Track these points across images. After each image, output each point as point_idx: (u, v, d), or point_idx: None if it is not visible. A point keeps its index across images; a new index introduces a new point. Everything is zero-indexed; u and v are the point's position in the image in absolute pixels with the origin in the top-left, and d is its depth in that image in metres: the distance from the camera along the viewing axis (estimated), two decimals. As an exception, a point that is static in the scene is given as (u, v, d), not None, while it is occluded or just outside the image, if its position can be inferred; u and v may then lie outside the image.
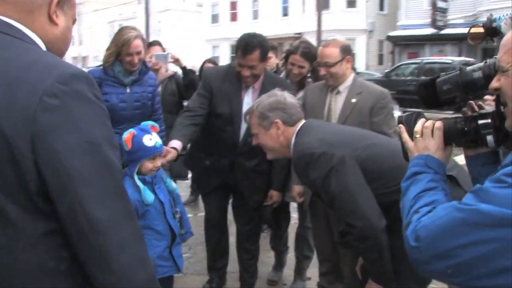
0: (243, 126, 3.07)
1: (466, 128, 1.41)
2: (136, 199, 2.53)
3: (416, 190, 1.31)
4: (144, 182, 2.59)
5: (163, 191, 2.70)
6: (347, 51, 3.01)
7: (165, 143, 3.51)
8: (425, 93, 1.56)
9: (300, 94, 3.42)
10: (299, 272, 3.71)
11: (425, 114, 1.59)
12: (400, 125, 1.52)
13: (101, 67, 3.41)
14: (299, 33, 25.19)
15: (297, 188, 3.19)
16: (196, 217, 5.03)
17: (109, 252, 1.08)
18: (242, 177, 3.21)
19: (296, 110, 2.38)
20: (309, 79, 3.56)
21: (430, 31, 23.48)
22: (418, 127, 1.44)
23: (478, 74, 1.41)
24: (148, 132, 2.63)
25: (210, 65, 4.86)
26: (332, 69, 2.95)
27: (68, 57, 47.94)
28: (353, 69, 3.19)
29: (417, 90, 1.59)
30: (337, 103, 3.02)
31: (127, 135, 2.56)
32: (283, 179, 3.23)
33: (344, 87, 3.02)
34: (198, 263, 4.09)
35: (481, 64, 1.42)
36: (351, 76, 3.04)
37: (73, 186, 1.05)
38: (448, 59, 16.24)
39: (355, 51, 17.39)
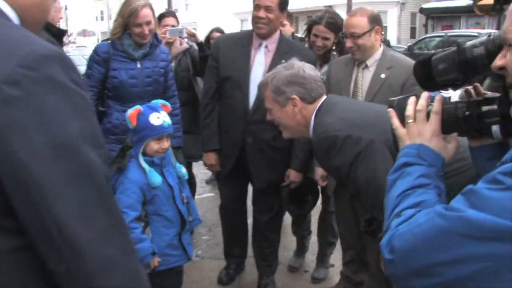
0: (254, 90, 2.82)
1: (467, 114, 1.17)
2: (143, 182, 2.37)
3: (402, 187, 1.09)
4: (152, 164, 2.41)
5: (171, 174, 2.52)
6: (376, 21, 2.71)
7: (178, 122, 3.35)
8: (422, 73, 1.29)
9: (324, 68, 3.16)
10: (322, 258, 3.51)
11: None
12: (390, 109, 1.28)
13: (109, 41, 3.20)
14: (329, 6, 24.49)
15: (319, 171, 2.95)
16: (217, 196, 4.84)
17: (95, 276, 0.88)
18: (253, 150, 2.92)
19: (317, 85, 2.09)
20: (334, 52, 3.28)
21: (465, 2, 22.37)
22: (409, 109, 1.21)
23: (480, 50, 1.16)
24: (156, 110, 2.43)
25: (217, 34, 4.59)
26: (359, 41, 2.67)
27: (98, 32, 48.47)
28: (386, 42, 2.89)
29: (413, 69, 1.32)
30: (364, 79, 2.74)
31: (132, 111, 2.38)
32: (305, 158, 2.93)
33: (372, 61, 2.73)
34: (216, 246, 3.92)
35: (484, 38, 1.16)
36: (380, 49, 2.75)
37: (44, 201, 0.84)
38: (475, 31, 15.38)
39: (386, 24, 16.70)
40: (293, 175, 2.94)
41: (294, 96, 2.05)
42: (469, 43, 1.18)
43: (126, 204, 2.31)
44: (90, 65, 3.15)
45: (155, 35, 3.19)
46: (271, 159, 2.93)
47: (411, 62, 2.79)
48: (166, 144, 2.44)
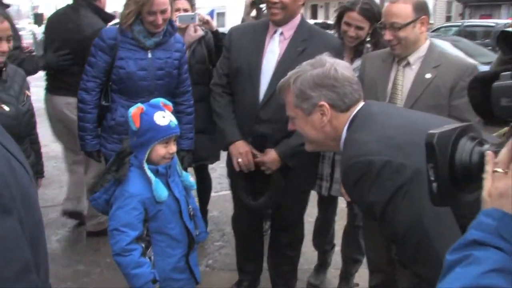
0: (265, 82, 2.44)
1: None
2: (146, 196, 2.02)
3: (458, 283, 0.76)
4: (156, 174, 2.06)
5: (177, 185, 2.18)
6: (422, 9, 2.28)
7: (191, 121, 3.00)
8: (479, 96, 0.91)
9: (356, 63, 2.73)
10: (346, 276, 3.13)
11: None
12: (490, 152, 0.88)
13: (118, 25, 2.84)
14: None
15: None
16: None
17: None
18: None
19: (352, 89, 1.64)
20: (368, 45, 2.84)
21: (507, -11, 21.32)
22: (503, 154, 0.83)
23: (504, 101, 0.85)
24: (160, 108, 2.08)
25: None
26: (401, 33, 2.24)
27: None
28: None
29: (468, 88, 1.04)
30: (405, 79, 2.31)
31: (135, 110, 2.03)
32: (295, 148, 2.37)
33: (415, 58, 2.30)
34: (230, 256, 3.57)
35: None
36: (426, 43, 2.32)
37: None
38: (492, 21, 14.42)
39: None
40: (270, 156, 2.46)
41: (323, 102, 1.62)
42: None
43: (124, 222, 1.99)
44: (94, 52, 2.81)
45: (170, 22, 2.82)
46: (283, 167, 2.51)
47: (462, 60, 2.36)
48: (174, 148, 2.10)
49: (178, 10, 3.15)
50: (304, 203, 2.78)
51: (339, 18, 2.80)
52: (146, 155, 2.04)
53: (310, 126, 1.68)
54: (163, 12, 2.67)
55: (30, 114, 2.42)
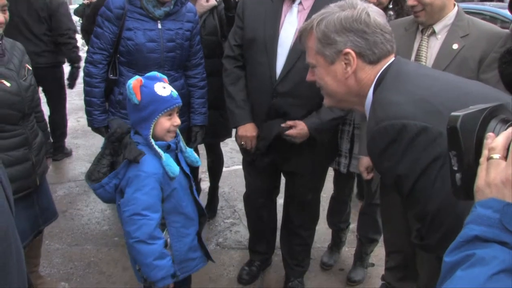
0: (282, 55, 2.30)
1: None
2: (161, 174, 1.89)
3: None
4: (166, 149, 1.95)
5: (183, 161, 2.06)
6: None
7: (203, 96, 2.88)
8: (510, 72, 0.82)
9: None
10: (361, 257, 3.03)
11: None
12: (490, 133, 0.80)
13: None
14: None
15: (365, 161, 2.41)
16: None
17: None
18: (277, 131, 2.37)
19: (384, 38, 1.38)
20: (391, 12, 2.68)
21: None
22: (500, 140, 0.75)
23: None
24: (158, 79, 1.94)
25: None
26: None
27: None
28: None
29: (499, 63, 0.91)
30: (430, 49, 2.16)
31: (134, 82, 1.88)
32: (326, 123, 2.32)
33: (442, 26, 2.14)
34: (241, 233, 3.50)
35: None
36: (453, 10, 2.15)
37: None
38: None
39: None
40: (298, 127, 2.33)
41: (349, 49, 1.38)
42: None
43: (146, 204, 1.86)
44: (100, 22, 2.67)
45: None
46: (303, 143, 2.39)
47: (494, 28, 2.19)
48: (178, 120, 1.96)
49: None
50: (322, 181, 2.68)
51: None
52: (151, 130, 1.91)
53: (332, 77, 1.46)
54: None
55: (33, 89, 2.30)
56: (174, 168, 1.91)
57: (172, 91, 1.92)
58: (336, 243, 3.19)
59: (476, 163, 0.82)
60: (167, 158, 1.91)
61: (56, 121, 4.86)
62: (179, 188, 1.98)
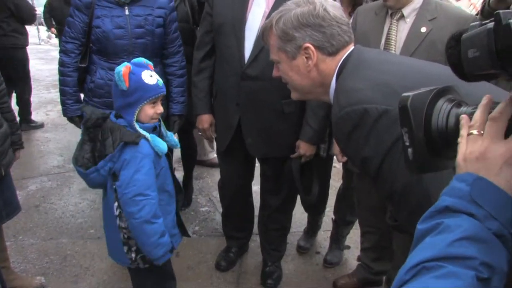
0: (250, 37, 2.31)
1: None
2: (152, 153, 1.94)
3: (426, 252, 0.69)
4: (151, 131, 1.99)
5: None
6: None
7: (182, 84, 2.86)
8: (456, 57, 0.80)
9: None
10: (337, 239, 3.09)
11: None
12: (464, 116, 0.80)
13: None
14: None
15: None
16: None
17: None
18: (248, 113, 2.42)
19: (341, 30, 1.45)
20: None
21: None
22: (477, 117, 0.77)
23: (471, 53, 0.74)
24: (145, 67, 1.96)
25: None
26: None
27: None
28: None
29: (445, 48, 0.84)
30: (399, 33, 2.20)
31: (124, 68, 1.89)
32: (318, 126, 2.41)
33: (410, 10, 2.18)
34: (217, 221, 3.51)
35: None
36: None
37: None
38: None
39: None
40: (303, 148, 2.44)
41: (308, 44, 1.44)
42: None
43: (147, 184, 1.91)
44: (72, 12, 2.65)
45: None
46: (274, 127, 2.42)
47: (463, 12, 2.24)
48: (161, 108, 1.99)
49: None
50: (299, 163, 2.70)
51: None
52: (135, 116, 1.93)
53: (295, 72, 1.52)
54: None
55: None
56: (162, 147, 1.96)
57: (158, 80, 1.94)
58: (312, 227, 3.23)
59: (425, 139, 0.88)
60: (153, 138, 1.95)
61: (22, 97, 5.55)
62: (165, 167, 2.02)
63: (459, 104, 0.86)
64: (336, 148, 2.48)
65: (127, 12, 2.61)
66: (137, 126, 1.93)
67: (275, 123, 2.41)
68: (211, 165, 4.42)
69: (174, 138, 2.15)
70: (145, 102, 1.91)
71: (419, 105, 0.89)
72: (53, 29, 7.36)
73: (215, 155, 3.70)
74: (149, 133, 1.95)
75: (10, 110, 2.51)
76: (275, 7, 2.25)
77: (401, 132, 0.95)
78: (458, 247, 0.67)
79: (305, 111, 2.41)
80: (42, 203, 3.81)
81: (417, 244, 0.72)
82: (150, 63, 1.99)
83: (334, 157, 2.75)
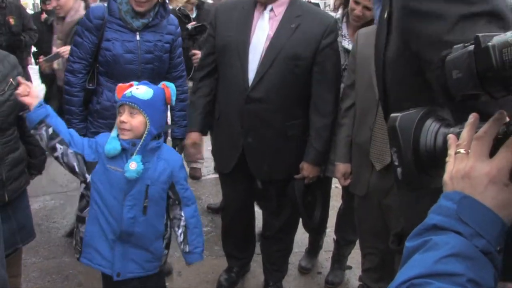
0: (254, 60, 2.36)
1: None
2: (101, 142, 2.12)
3: (414, 269, 0.70)
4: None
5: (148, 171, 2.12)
6: None
7: (184, 108, 2.89)
8: (443, 76, 0.82)
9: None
10: (339, 259, 3.11)
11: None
12: (451, 135, 0.82)
13: (106, 4, 2.72)
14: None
15: (341, 168, 2.51)
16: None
17: None
18: (252, 138, 2.45)
19: None
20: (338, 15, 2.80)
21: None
22: (464, 136, 0.78)
23: (455, 74, 0.76)
24: (143, 84, 2.17)
25: None
26: None
27: None
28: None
29: (432, 68, 0.87)
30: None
31: (122, 85, 2.16)
32: (322, 147, 2.47)
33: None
34: (219, 241, 3.51)
35: None
36: None
37: None
38: None
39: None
40: (307, 170, 2.49)
41: None
42: (498, 39, 0.69)
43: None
44: (80, 32, 2.69)
45: (163, 4, 2.71)
46: (278, 149, 2.47)
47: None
48: (125, 118, 2.04)
49: None
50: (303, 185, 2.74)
51: None
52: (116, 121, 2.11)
53: None
54: None
55: (10, 104, 2.25)
56: (108, 147, 2.06)
57: (130, 91, 2.07)
58: (314, 247, 3.26)
59: (413, 158, 0.89)
60: (112, 139, 2.08)
61: None
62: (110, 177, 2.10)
63: (447, 124, 0.88)
64: (338, 172, 2.52)
65: (138, 38, 2.66)
66: (115, 130, 2.10)
67: (279, 145, 2.46)
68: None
69: (131, 169, 2.04)
70: (117, 109, 2.10)
71: (408, 124, 0.90)
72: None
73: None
74: (129, 150, 2.06)
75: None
76: (279, 31, 2.33)
77: (391, 152, 0.96)
78: (445, 263, 0.68)
79: (308, 133, 2.47)
80: (45, 222, 3.83)
81: (406, 261, 0.74)
82: (169, 87, 2.18)
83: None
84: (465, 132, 0.78)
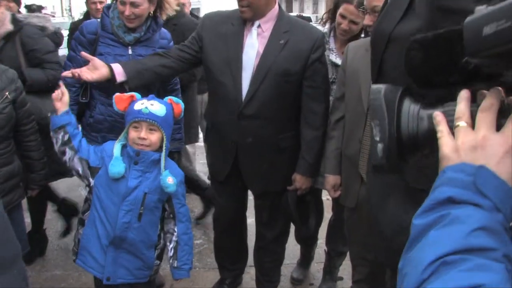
0: (246, 77, 2.40)
1: None
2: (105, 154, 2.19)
3: (442, 246, 0.62)
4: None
5: (147, 180, 2.17)
6: None
7: (178, 121, 2.90)
8: (418, 58, 0.82)
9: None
10: (330, 270, 3.13)
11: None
12: (437, 113, 0.78)
13: (99, 19, 2.77)
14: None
15: (331, 180, 2.55)
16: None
17: None
18: (248, 151, 2.49)
19: None
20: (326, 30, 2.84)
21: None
22: (462, 109, 0.74)
23: (490, 28, 0.67)
24: (150, 98, 2.21)
25: None
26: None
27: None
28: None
29: (407, 50, 0.84)
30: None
31: (120, 95, 2.21)
32: (313, 160, 2.51)
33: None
34: (212, 253, 3.52)
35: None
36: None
37: None
38: None
39: None
40: (299, 181, 2.53)
41: None
42: (472, 18, 0.69)
43: None
44: (74, 46, 2.73)
45: (155, 18, 2.75)
46: (271, 162, 2.51)
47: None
48: (144, 134, 2.11)
49: None
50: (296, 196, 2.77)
51: (335, 8, 2.75)
52: (122, 135, 2.19)
53: None
54: (133, 4, 2.56)
55: (3, 117, 2.28)
56: (113, 169, 2.10)
57: (146, 107, 2.10)
58: (305, 258, 3.28)
59: (397, 133, 0.84)
60: (115, 159, 2.12)
61: None
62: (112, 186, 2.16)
63: (426, 104, 0.83)
64: (328, 183, 2.56)
65: (130, 52, 2.69)
66: (118, 142, 2.15)
67: (272, 158, 2.50)
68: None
69: (168, 182, 2.14)
70: (129, 124, 2.12)
71: (392, 97, 0.85)
72: None
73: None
74: (132, 158, 2.12)
75: (38, 149, 2.57)
76: (268, 48, 2.37)
77: (371, 125, 0.89)
78: (477, 237, 0.61)
79: (300, 146, 2.51)
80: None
81: (416, 240, 0.67)
82: (178, 103, 2.27)
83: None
84: (463, 106, 0.74)
